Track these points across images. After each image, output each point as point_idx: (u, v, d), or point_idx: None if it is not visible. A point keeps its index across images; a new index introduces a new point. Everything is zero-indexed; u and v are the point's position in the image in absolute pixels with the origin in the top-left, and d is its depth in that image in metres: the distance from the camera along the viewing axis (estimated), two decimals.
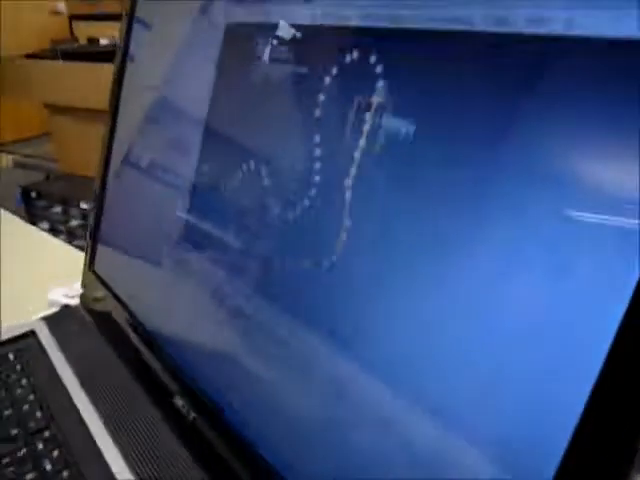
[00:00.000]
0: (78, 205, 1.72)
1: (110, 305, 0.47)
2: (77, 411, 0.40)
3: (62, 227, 1.80)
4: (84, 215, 1.70)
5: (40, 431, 0.39)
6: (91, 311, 0.52)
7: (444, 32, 0.22)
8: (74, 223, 1.77)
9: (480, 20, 0.21)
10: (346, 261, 0.26)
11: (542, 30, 0.19)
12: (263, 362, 0.30)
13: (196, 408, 0.35)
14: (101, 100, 0.60)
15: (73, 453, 0.37)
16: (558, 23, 0.19)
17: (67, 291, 0.57)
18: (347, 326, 0.25)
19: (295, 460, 0.28)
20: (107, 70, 0.54)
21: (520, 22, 0.20)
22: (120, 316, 0.46)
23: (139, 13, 0.47)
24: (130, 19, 0.47)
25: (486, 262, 0.21)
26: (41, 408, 0.41)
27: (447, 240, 0.22)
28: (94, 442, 0.37)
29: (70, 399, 0.41)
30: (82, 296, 0.54)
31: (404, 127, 0.24)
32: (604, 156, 0.18)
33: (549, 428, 0.18)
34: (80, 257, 0.55)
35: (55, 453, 0.37)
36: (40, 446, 0.37)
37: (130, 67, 0.48)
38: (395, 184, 0.24)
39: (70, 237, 1.77)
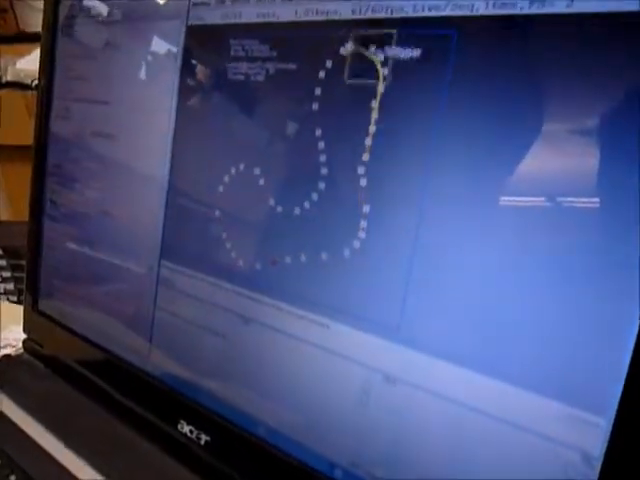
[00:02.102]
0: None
1: (70, 343, 0.43)
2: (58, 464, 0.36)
3: None
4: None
5: None
6: (40, 355, 0.46)
7: (448, 17, 0.24)
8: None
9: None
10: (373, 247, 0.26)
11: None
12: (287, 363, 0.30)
13: (211, 430, 0.33)
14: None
15: None
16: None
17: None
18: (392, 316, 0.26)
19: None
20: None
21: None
22: (86, 352, 0.42)
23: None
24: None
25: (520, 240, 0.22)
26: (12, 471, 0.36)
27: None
28: None
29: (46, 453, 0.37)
30: (25, 341, 0.48)
31: (415, 109, 0.25)
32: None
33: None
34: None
35: None
36: None
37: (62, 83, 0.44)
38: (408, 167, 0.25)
39: None
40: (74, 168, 0.44)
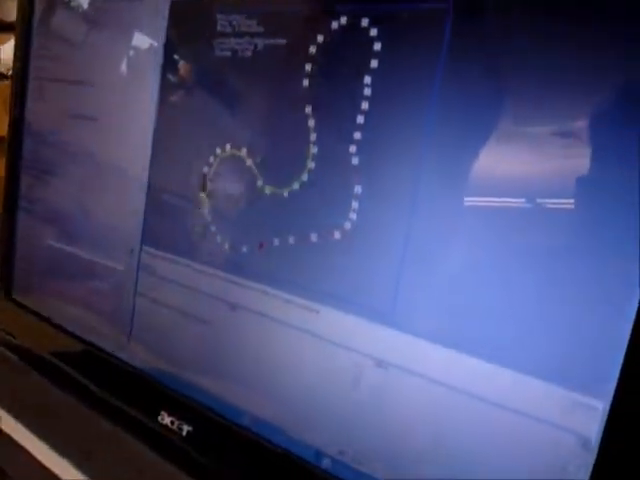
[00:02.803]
0: None
1: (45, 333, 0.41)
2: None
3: None
4: None
5: None
6: (13, 346, 0.44)
7: None
8: None
9: None
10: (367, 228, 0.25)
11: None
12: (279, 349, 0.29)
13: (193, 421, 0.32)
14: None
15: None
16: None
17: None
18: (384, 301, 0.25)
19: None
20: None
21: None
22: (63, 343, 0.40)
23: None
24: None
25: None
26: None
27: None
28: None
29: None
30: None
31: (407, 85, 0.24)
32: None
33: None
34: None
35: None
36: None
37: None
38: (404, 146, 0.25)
39: None
40: (49, 153, 0.42)
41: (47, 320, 0.41)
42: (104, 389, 0.37)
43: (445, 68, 0.23)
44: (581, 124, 0.20)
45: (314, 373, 0.27)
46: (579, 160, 0.20)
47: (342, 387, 0.26)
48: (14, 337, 0.45)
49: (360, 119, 0.25)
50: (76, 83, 0.39)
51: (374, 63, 0.25)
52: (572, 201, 0.21)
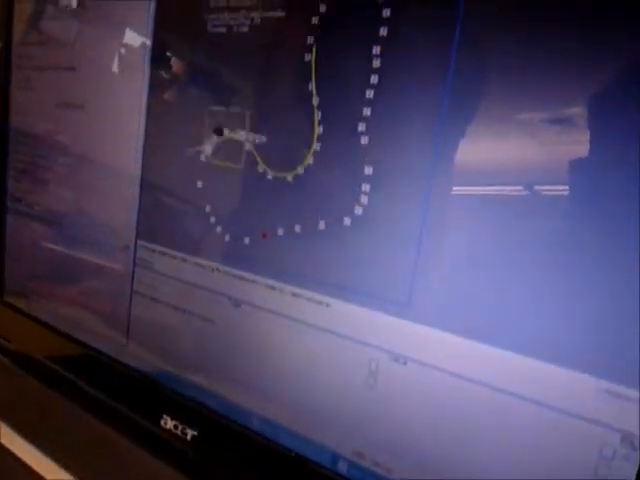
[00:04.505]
0: None
1: (40, 336, 0.39)
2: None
3: None
4: None
5: None
6: (7, 351, 0.43)
7: None
8: None
9: None
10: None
11: None
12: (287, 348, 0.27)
13: (198, 425, 0.30)
14: None
15: None
16: None
17: None
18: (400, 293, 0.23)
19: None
20: None
21: None
22: (58, 346, 0.38)
23: None
24: None
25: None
26: None
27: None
28: None
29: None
30: None
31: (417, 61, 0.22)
32: None
33: None
34: None
35: None
36: None
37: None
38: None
39: None
40: (37, 148, 0.40)
41: (41, 322, 0.39)
42: (102, 393, 0.35)
43: (462, 36, 0.21)
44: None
45: (325, 370, 0.25)
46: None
47: (356, 384, 0.24)
48: (9, 341, 0.43)
49: (369, 94, 0.23)
50: (61, 69, 0.37)
51: (383, 31, 0.23)
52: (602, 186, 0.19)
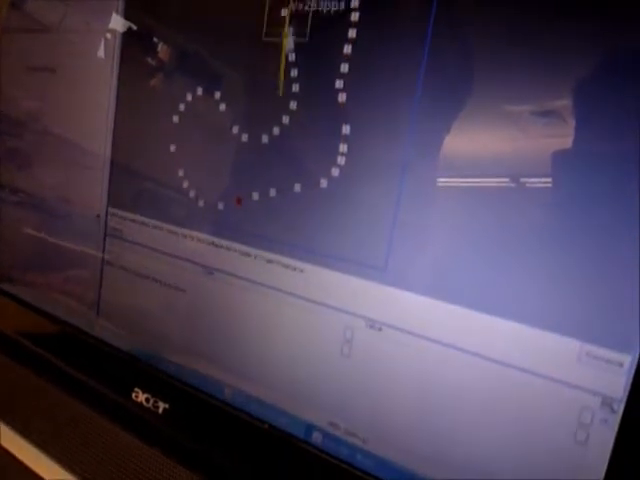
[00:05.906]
0: None
1: (8, 309, 0.38)
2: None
3: None
4: None
5: None
6: None
7: None
8: None
9: None
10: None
11: None
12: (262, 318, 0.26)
13: (170, 397, 0.29)
14: None
15: None
16: None
17: None
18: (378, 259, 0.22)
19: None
20: None
21: None
22: (28, 320, 0.37)
23: None
24: None
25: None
26: None
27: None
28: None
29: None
30: None
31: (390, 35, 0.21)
32: None
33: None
34: None
35: None
36: None
37: None
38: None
39: None
40: (4, 118, 0.38)
41: (9, 295, 0.38)
42: (72, 367, 0.34)
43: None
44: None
45: (299, 339, 0.25)
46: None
47: (331, 352, 0.24)
48: None
49: (347, 49, 0.22)
50: (30, 31, 0.35)
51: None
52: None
